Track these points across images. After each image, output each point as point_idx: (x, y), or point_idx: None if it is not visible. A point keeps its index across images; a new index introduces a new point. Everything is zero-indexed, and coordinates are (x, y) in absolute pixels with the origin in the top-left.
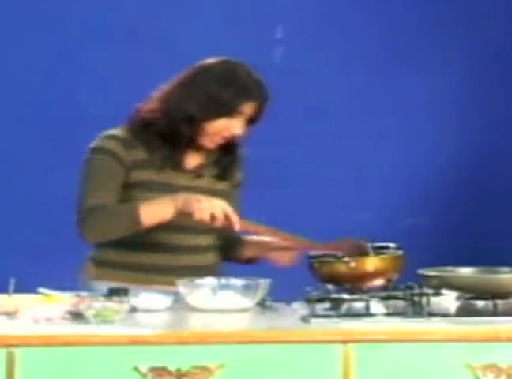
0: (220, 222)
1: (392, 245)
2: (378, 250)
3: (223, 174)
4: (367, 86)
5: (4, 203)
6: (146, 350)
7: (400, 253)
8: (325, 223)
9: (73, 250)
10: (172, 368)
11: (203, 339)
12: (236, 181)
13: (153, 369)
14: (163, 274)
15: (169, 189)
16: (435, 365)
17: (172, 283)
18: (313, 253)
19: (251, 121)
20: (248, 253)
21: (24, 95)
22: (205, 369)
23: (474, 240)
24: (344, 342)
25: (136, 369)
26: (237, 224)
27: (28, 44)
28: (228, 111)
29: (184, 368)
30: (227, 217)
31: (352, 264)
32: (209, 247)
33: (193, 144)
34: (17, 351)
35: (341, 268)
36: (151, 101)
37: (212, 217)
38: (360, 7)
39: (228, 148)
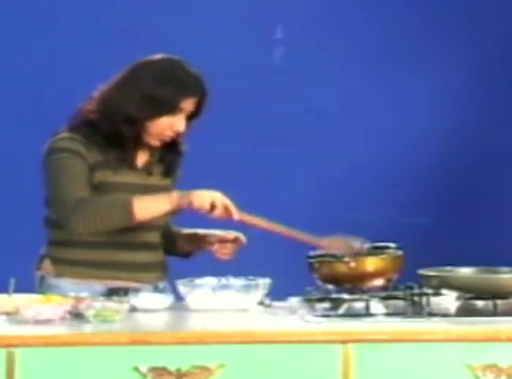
0: (219, 211)
1: (392, 245)
2: (378, 250)
3: (168, 171)
4: (368, 86)
5: (4, 203)
6: (146, 350)
7: (400, 253)
8: (325, 223)
9: None
10: (172, 368)
11: (203, 339)
12: (177, 177)
13: (153, 369)
14: (119, 270)
15: (125, 188)
16: (435, 365)
17: (132, 280)
18: (313, 253)
19: (192, 116)
20: (186, 246)
21: (23, 95)
22: (205, 369)
23: (474, 240)
24: (344, 342)
25: (136, 369)
26: (236, 214)
27: (26, 44)
28: (169, 109)
29: (184, 368)
30: (226, 207)
31: (352, 264)
32: (160, 244)
33: (140, 143)
34: (17, 351)
35: (341, 268)
36: (91, 102)
37: (212, 206)
38: (361, 7)
39: (171, 146)
